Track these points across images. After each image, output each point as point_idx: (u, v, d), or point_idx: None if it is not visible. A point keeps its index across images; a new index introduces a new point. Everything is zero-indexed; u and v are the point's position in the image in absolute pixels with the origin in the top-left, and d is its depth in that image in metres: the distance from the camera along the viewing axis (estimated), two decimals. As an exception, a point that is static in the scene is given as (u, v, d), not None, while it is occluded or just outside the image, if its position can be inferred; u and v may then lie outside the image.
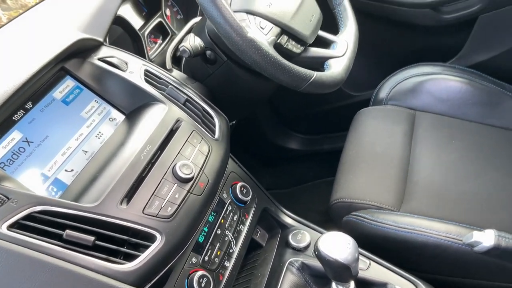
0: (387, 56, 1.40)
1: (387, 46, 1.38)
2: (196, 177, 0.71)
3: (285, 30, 0.86)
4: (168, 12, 1.16)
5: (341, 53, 0.93)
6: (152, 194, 0.66)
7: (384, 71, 1.27)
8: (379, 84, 1.25)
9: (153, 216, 0.64)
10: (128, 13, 1.05)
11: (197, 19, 1.13)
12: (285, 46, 0.86)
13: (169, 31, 1.12)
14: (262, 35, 0.81)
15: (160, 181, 0.68)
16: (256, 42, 0.76)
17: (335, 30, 1.00)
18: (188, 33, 1.07)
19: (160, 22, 1.10)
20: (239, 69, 0.94)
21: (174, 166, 0.69)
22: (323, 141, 1.63)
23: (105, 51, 0.83)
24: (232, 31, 0.75)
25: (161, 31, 1.12)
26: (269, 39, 0.82)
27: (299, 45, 0.89)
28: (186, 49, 0.86)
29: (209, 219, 0.78)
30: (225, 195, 0.82)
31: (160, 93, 0.80)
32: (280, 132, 1.63)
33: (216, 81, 0.95)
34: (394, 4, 1.26)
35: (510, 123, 1.15)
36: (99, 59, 0.81)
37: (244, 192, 0.84)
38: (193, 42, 0.87)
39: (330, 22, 1.01)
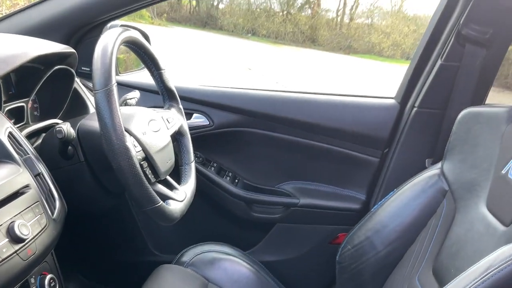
0: (199, 227, 1.56)
1: (201, 220, 1.56)
2: (28, 242, 0.69)
3: (148, 158, 0.98)
4: (29, 104, 1.18)
5: (181, 198, 1.06)
6: (-19, 237, 0.62)
7: (191, 239, 1.41)
8: (185, 249, 1.37)
9: (-27, 258, 0.59)
10: (-2, 83, 1.06)
11: (55, 120, 1.18)
12: (144, 169, 0.96)
13: (25, 119, 1.13)
14: (134, 151, 0.92)
15: (-7, 230, 0.64)
16: (130, 151, 0.86)
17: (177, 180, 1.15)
18: (46, 129, 1.11)
19: (22, 107, 1.11)
20: (90, 175, 0.99)
21: (12, 223, 0.67)
22: (105, 293, 1.58)
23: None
24: (114, 134, 0.84)
25: (16, 115, 1.12)
26: (137, 157, 0.92)
27: (153, 176, 1.00)
28: (62, 130, 0.90)
29: (7, 297, 0.72)
30: (32, 280, 0.77)
31: (18, 157, 0.80)
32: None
33: (62, 176, 0.97)
34: (218, 187, 1.50)
35: None
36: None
37: (52, 285, 0.80)
38: (70, 129, 0.92)
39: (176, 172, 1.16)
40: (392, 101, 1.49)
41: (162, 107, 1.19)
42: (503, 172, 1.00)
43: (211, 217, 1.59)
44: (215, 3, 16.11)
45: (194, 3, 15.86)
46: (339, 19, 15.82)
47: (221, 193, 1.51)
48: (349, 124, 1.48)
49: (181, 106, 1.22)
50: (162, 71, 1.15)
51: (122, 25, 1.45)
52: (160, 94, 1.20)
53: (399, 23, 15.18)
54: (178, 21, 15.19)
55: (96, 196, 1.04)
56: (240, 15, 15.54)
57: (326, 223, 1.53)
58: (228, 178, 1.53)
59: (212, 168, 1.52)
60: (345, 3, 15.72)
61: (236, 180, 1.55)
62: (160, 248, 1.57)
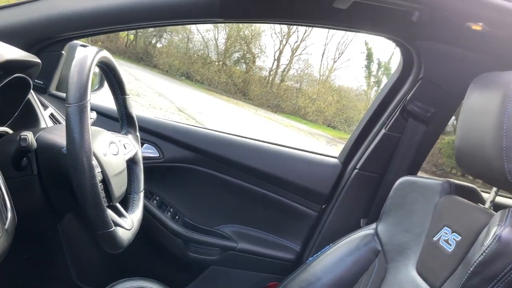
0: (130, 260, 1.50)
1: (133, 253, 1.50)
2: (-18, 250, 0.64)
3: (105, 181, 0.95)
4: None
5: (129, 227, 1.03)
6: None
7: (120, 273, 1.35)
8: (114, 282, 1.31)
9: None
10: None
11: (3, 128, 1.12)
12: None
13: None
14: (96, 171, 0.89)
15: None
16: (94, 170, 0.83)
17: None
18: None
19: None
20: (40, 190, 0.93)
21: (-31, 226, 0.62)
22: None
23: None
24: (81, 151, 0.82)
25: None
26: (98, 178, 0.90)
27: (106, 200, 0.97)
28: (27, 138, 0.85)
29: None
30: (-30, 294, 0.70)
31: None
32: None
33: (9, 187, 0.91)
34: (157, 221, 1.48)
35: None
36: None
37: (-12, 302, 0.73)
38: (33, 138, 0.87)
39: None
40: (336, 160, 1.59)
41: (114, 131, 1.18)
42: (435, 239, 1.10)
43: (145, 251, 1.54)
44: (153, 41, 16.15)
45: (132, 37, 15.77)
46: (271, 78, 16.51)
47: (159, 228, 1.48)
48: (293, 176, 1.54)
49: (138, 134, 1.21)
50: (127, 96, 1.15)
51: (81, 45, 1.44)
52: (119, 119, 1.18)
53: (325, 91, 16.15)
54: (112, 51, 14.95)
55: (39, 213, 0.98)
56: (177, 57, 15.68)
57: (259, 270, 1.55)
58: (169, 213, 1.51)
59: (154, 202, 1.50)
60: (278, 65, 16.51)
61: (177, 217, 1.53)
62: (85, 279, 1.48)
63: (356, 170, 1.51)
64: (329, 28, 1.35)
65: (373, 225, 1.31)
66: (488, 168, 1.00)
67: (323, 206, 1.56)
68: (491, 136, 0.97)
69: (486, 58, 1.30)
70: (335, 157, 1.60)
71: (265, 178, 1.54)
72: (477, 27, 1.19)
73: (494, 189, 1.08)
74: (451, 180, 1.20)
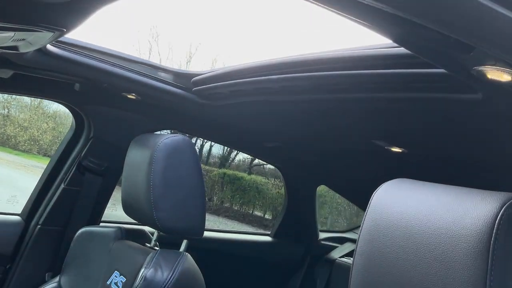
0: None
1: None
2: None
3: None
4: None
5: None
6: None
7: None
8: None
9: None
10: None
11: None
12: None
13: None
14: None
15: None
16: None
17: None
18: None
19: None
20: None
21: None
22: None
23: None
24: None
25: None
26: None
27: None
28: None
29: None
30: None
31: None
32: None
33: None
34: None
35: None
36: None
37: None
38: None
39: None
40: (18, 218, 1.57)
41: None
42: (108, 283, 1.24)
43: None
44: None
45: None
46: (-32, 105, 14.32)
47: None
48: None
49: None
50: None
51: None
52: None
53: (38, 118, 14.98)
54: None
55: None
56: None
57: None
58: None
59: None
60: (-22, 89, 14.46)
61: None
62: None
63: (39, 226, 1.54)
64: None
65: (57, 278, 1.38)
66: (144, 216, 1.21)
67: (7, 267, 1.52)
68: (143, 190, 1.19)
69: (144, 119, 1.55)
70: (17, 215, 1.59)
71: None
72: (131, 96, 1.42)
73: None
74: (122, 226, 1.38)
